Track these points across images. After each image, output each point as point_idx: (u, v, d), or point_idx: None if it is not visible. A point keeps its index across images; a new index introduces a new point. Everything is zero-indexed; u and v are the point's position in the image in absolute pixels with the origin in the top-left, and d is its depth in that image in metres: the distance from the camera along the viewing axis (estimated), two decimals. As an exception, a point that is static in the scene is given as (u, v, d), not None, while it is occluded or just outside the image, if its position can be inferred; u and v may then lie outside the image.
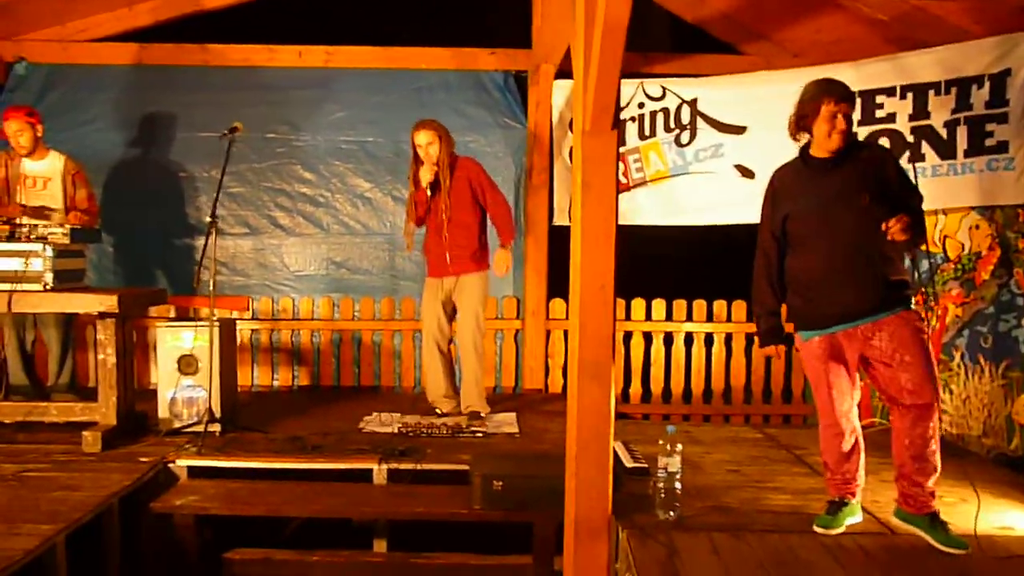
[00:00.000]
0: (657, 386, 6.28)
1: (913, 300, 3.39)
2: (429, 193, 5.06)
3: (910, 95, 5.14)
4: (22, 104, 5.55)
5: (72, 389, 5.19)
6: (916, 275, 5.24)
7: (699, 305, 6.26)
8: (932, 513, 3.32)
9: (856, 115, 5.27)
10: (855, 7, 5.38)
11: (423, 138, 5.01)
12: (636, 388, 6.28)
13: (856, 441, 3.48)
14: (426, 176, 5.03)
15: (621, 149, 5.92)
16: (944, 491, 3.61)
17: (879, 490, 3.81)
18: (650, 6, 6.38)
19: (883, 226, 3.17)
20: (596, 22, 3.06)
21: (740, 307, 6.22)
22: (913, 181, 3.42)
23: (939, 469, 3.32)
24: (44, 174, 5.06)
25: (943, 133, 5.02)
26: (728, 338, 6.24)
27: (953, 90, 4.99)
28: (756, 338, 3.70)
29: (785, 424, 6.19)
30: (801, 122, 3.39)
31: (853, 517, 3.48)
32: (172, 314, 6.09)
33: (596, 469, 3.36)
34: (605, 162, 3.31)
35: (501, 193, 5.23)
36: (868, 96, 5.26)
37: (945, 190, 4.99)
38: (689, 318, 6.26)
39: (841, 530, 3.41)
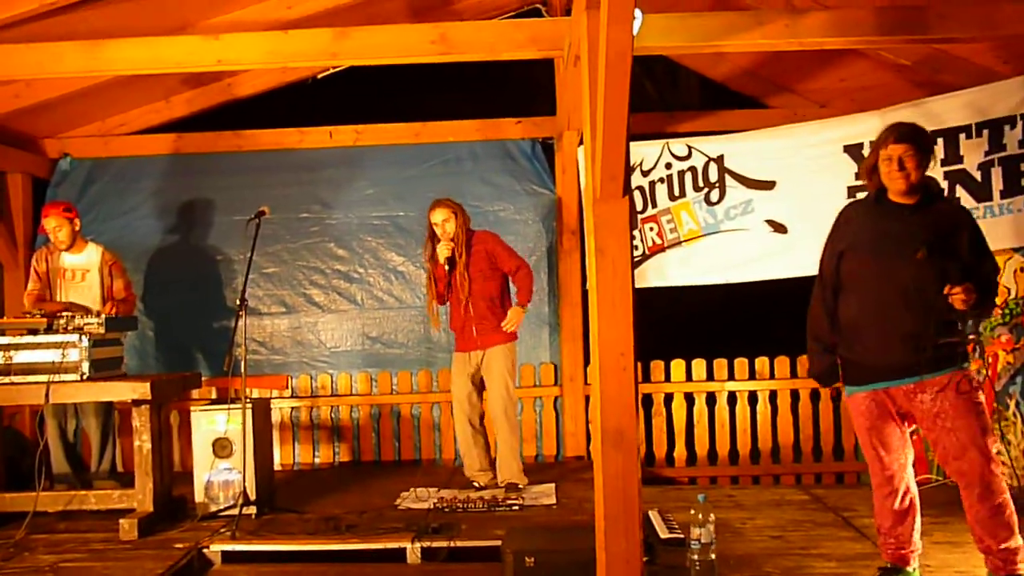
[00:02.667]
0: (702, 448, 6.13)
1: (968, 361, 3.23)
2: (447, 268, 5.08)
3: (940, 140, 5.02)
4: (64, 199, 5.77)
5: (114, 475, 5.25)
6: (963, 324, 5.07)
7: (740, 363, 6.13)
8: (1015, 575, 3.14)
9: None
10: (876, 54, 5.34)
11: (439, 216, 5.07)
12: (680, 451, 6.14)
13: (911, 503, 3.32)
14: (443, 252, 5.07)
15: (654, 211, 5.98)
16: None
17: (931, 553, 3.62)
18: (674, 66, 6.43)
19: (946, 288, 3.07)
20: (599, 94, 3.08)
21: (783, 363, 6.07)
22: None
23: (1015, 531, 3.13)
24: (83, 266, 5.21)
25: (977, 176, 4.90)
26: (773, 395, 6.08)
27: (985, 132, 4.87)
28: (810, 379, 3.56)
29: (838, 483, 5.97)
30: (870, 166, 3.34)
31: None
32: (213, 396, 6.15)
33: (625, 541, 3.26)
34: (617, 228, 3.29)
35: (520, 257, 5.26)
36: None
37: (984, 233, 4.83)
38: (731, 377, 6.13)
39: (891, 599, 3.25)
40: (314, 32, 4.34)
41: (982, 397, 3.20)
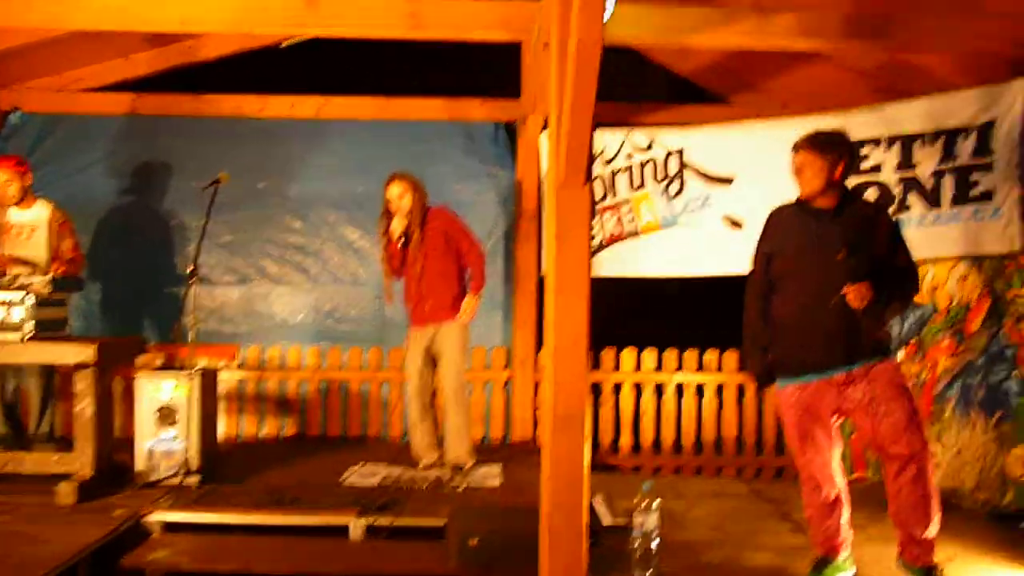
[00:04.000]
0: (647, 438, 6.20)
1: (898, 352, 3.37)
2: (400, 244, 5.06)
3: (896, 146, 5.12)
4: (14, 153, 5.61)
5: (52, 439, 5.14)
6: (903, 327, 5.19)
7: (690, 355, 6.21)
8: (929, 567, 3.24)
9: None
10: (840, 58, 5.42)
11: (395, 190, 5.04)
12: (626, 440, 6.20)
13: (837, 496, 3.43)
14: (398, 228, 5.04)
15: (614, 199, 6.00)
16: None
17: (864, 546, 3.71)
18: (640, 58, 6.44)
19: (844, 288, 3.21)
20: (567, 81, 3.08)
21: (731, 357, 6.17)
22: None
23: (935, 521, 3.26)
24: (30, 223, 5.07)
25: (929, 184, 5.00)
26: (720, 389, 6.17)
27: (939, 141, 4.97)
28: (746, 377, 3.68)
29: (777, 477, 6.09)
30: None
31: (841, 575, 3.40)
32: (159, 363, 6.04)
33: (570, 526, 3.28)
34: (578, 216, 3.29)
35: (477, 242, 5.23)
36: (855, 147, 5.25)
37: (932, 240, 4.95)
38: (680, 368, 6.20)
39: (824, 590, 3.34)
40: (285, -1, 4.28)
41: (908, 383, 3.36)
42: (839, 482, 3.43)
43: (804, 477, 3.44)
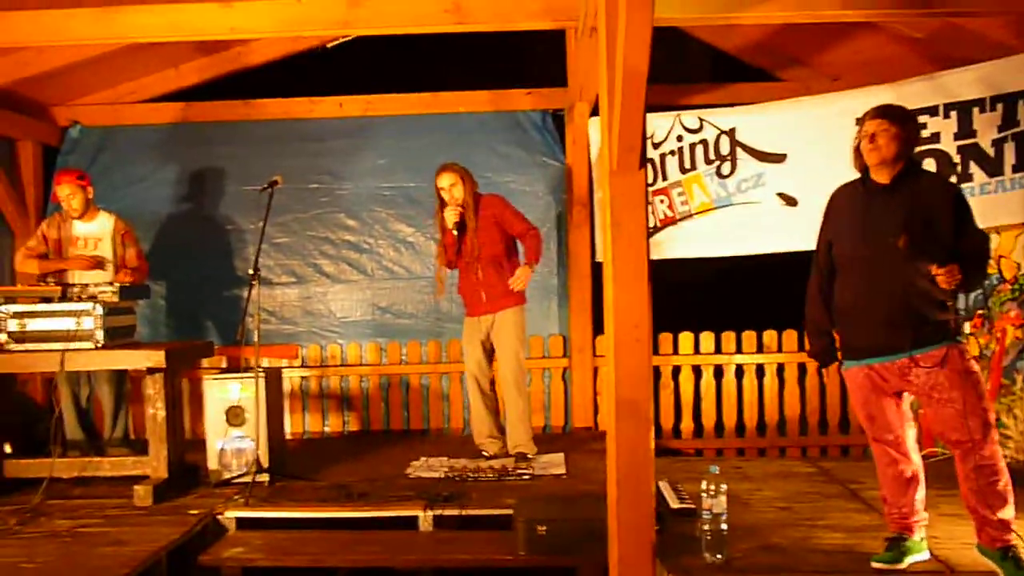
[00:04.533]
0: (709, 421, 6.17)
1: (965, 330, 3.28)
2: (456, 234, 5.09)
3: (954, 114, 5.00)
4: (75, 167, 5.77)
5: (126, 442, 5.29)
6: (969, 299, 5.07)
7: (748, 336, 6.15)
8: (1006, 547, 3.17)
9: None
10: (891, 27, 5.29)
11: (445, 180, 5.08)
12: (687, 424, 6.18)
13: (914, 474, 3.36)
14: (451, 218, 5.08)
15: (664, 183, 5.98)
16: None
17: (937, 525, 3.65)
18: (684, 38, 6.37)
19: (932, 270, 3.10)
20: (617, 66, 3.08)
21: (791, 337, 6.09)
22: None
23: (1009, 501, 3.17)
24: (95, 235, 5.21)
25: (991, 151, 4.88)
26: (780, 369, 6.10)
27: (999, 107, 4.85)
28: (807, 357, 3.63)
29: (843, 456, 6.01)
30: (855, 147, 3.39)
31: (916, 555, 3.35)
32: (224, 365, 6.19)
33: (637, 511, 3.30)
34: (634, 201, 3.29)
35: (528, 221, 5.24)
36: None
37: (994, 208, 4.83)
38: (739, 350, 6.15)
39: (902, 566, 3.29)
40: (327, 0, 4.31)
41: (977, 368, 3.24)
42: (915, 459, 3.37)
43: (878, 453, 3.39)
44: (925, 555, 3.37)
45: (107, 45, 5.33)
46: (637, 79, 3.04)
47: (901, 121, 3.28)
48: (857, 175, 3.42)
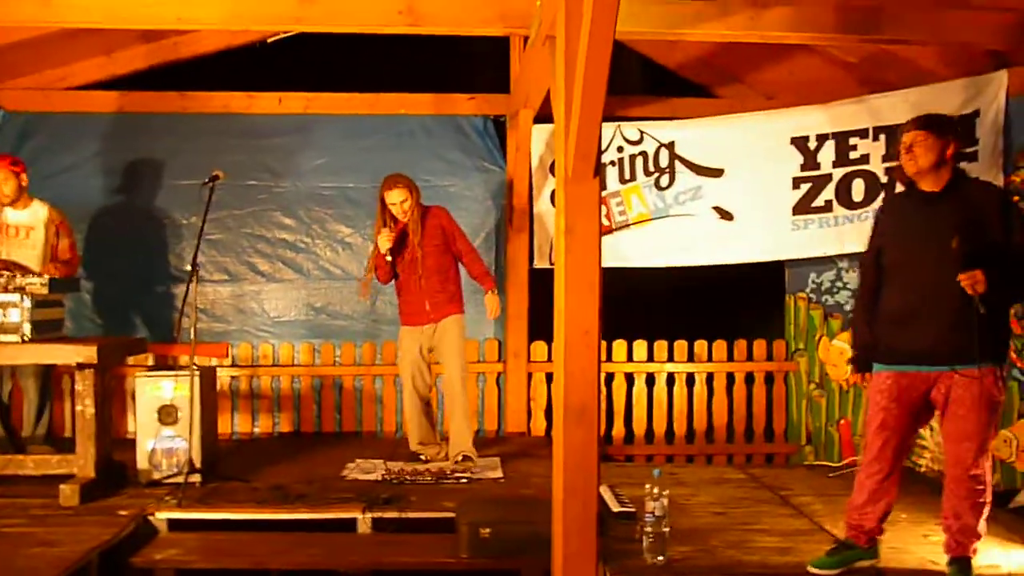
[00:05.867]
0: (640, 427, 6.27)
1: (1005, 359, 3.27)
2: (389, 259, 5.05)
3: (883, 136, 5.22)
4: (2, 153, 5.54)
5: (49, 440, 5.10)
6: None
7: (680, 345, 6.28)
8: (959, 558, 3.28)
9: (830, 154, 5.38)
10: (826, 50, 5.51)
11: (397, 196, 4.99)
12: (619, 430, 6.27)
13: (890, 489, 3.40)
14: (384, 244, 5.00)
15: (603, 193, 6.03)
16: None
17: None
18: (625, 50, 6.48)
19: (957, 277, 3.11)
20: (576, 75, 3.12)
21: (721, 347, 6.26)
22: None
23: (981, 519, 3.27)
24: (27, 223, 5.01)
25: (915, 173, 5.10)
26: (710, 378, 6.25)
27: (926, 131, 5.07)
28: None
29: (767, 464, 6.19)
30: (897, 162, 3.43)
31: (861, 562, 3.43)
32: (151, 362, 6.02)
33: (582, 514, 3.35)
34: (588, 208, 3.35)
35: (470, 242, 5.33)
36: (841, 138, 5.36)
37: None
38: (670, 358, 6.28)
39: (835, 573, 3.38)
40: (279, -5, 4.27)
41: (1003, 397, 3.29)
42: (898, 476, 3.42)
43: (868, 459, 3.41)
44: (869, 562, 3.45)
45: (37, 28, 5.13)
46: (597, 90, 3.10)
47: (937, 129, 3.29)
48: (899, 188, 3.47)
